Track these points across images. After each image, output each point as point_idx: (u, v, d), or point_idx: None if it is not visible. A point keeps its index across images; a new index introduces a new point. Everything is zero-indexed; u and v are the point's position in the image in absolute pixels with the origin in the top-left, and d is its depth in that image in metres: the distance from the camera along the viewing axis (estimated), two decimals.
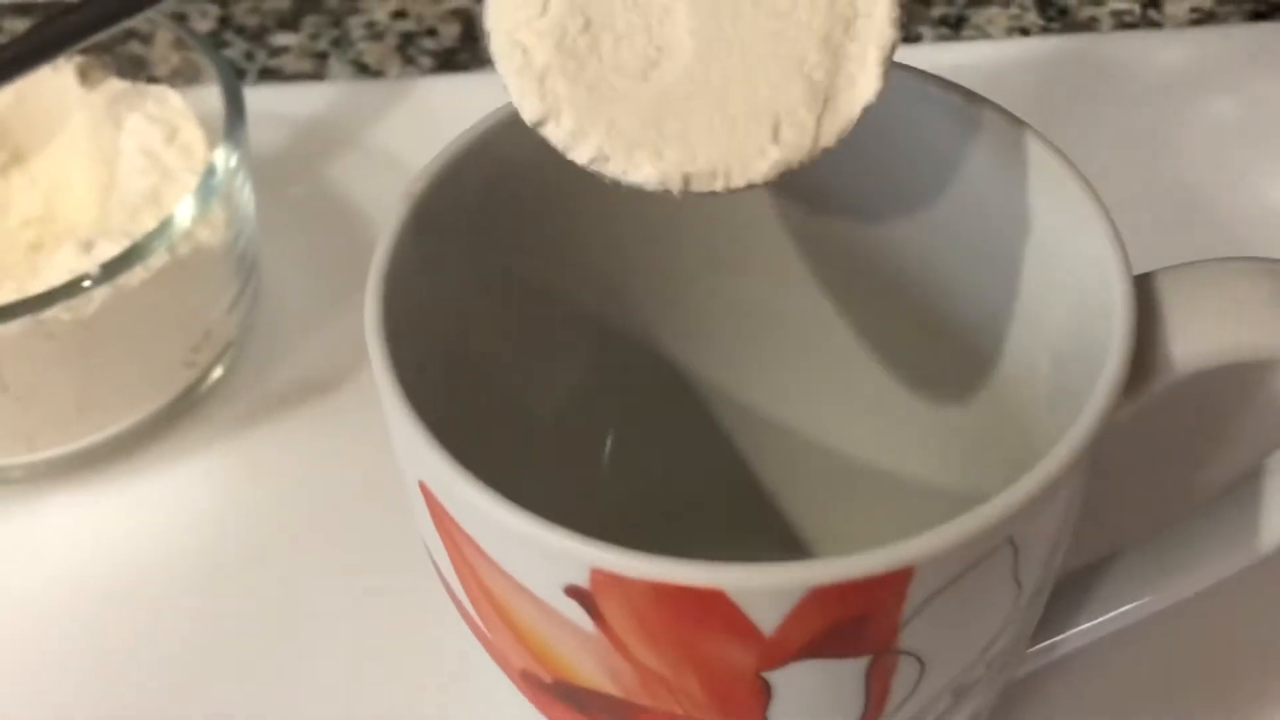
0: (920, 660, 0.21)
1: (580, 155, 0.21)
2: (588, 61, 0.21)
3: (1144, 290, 0.23)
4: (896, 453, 0.29)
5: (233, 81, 0.35)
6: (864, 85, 0.22)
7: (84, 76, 0.37)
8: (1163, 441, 0.30)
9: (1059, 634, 0.27)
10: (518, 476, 0.26)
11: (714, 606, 0.19)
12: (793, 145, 0.21)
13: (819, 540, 0.31)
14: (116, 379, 0.33)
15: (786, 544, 0.31)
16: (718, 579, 0.19)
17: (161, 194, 0.34)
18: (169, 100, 0.36)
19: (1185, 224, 0.38)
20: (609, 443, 0.30)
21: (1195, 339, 0.23)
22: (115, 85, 0.36)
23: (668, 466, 0.30)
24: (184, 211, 0.32)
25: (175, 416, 0.35)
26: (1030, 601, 0.23)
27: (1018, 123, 0.24)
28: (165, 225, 0.32)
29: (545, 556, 0.20)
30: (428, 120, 0.42)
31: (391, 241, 0.23)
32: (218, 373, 0.35)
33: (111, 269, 0.31)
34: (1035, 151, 0.24)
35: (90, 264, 0.31)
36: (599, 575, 0.20)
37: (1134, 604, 0.27)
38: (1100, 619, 0.27)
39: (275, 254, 0.38)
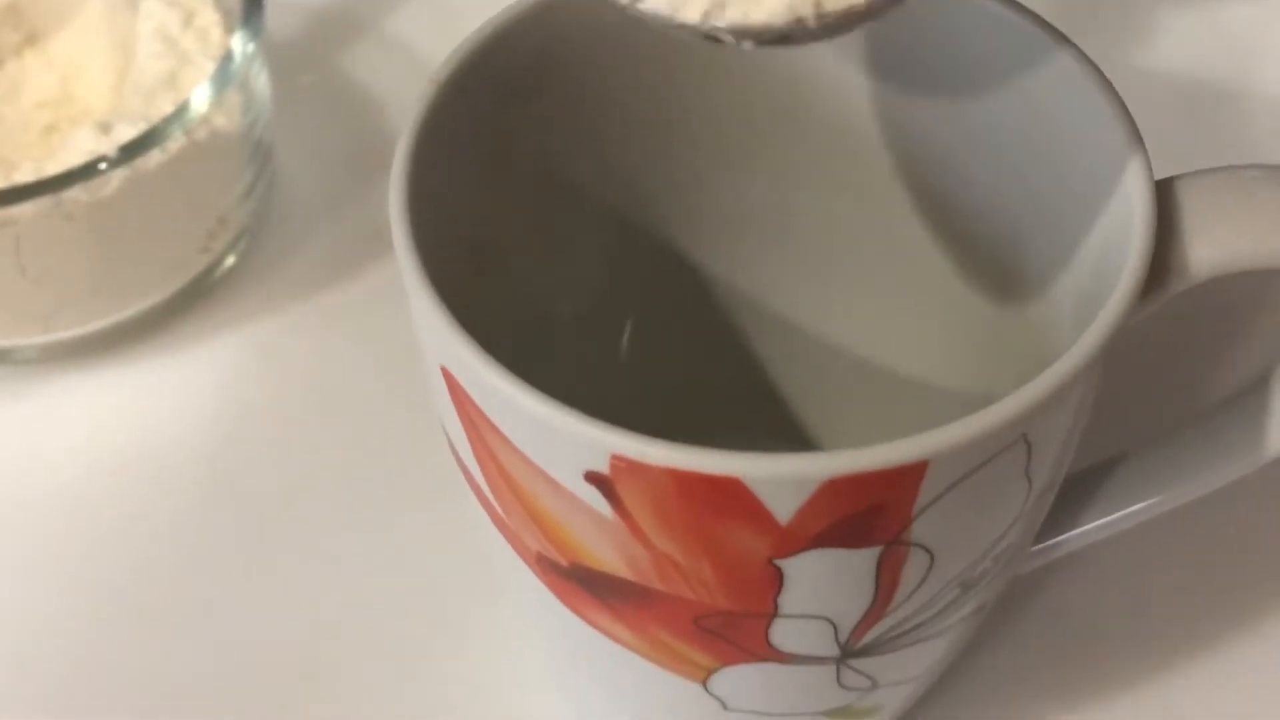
0: (930, 552, 0.22)
1: (691, 13, 0.19)
2: None
3: (1164, 196, 0.23)
4: (912, 351, 0.29)
5: None
6: None
7: None
8: (1173, 346, 0.30)
9: (1064, 533, 0.27)
10: (536, 366, 0.27)
11: (731, 494, 0.20)
12: None
13: (833, 434, 0.31)
14: (132, 262, 0.33)
15: (801, 438, 0.31)
16: (736, 468, 0.20)
17: (178, 78, 0.34)
18: None
19: (1205, 124, 0.38)
20: (625, 335, 0.30)
21: (1212, 245, 0.23)
22: None
23: (683, 359, 0.30)
24: (201, 96, 0.32)
25: (189, 301, 0.35)
26: (1039, 499, 0.23)
27: (1043, 25, 0.24)
28: (182, 109, 0.32)
29: (566, 442, 0.20)
30: (443, 8, 0.42)
31: (416, 128, 0.23)
32: (231, 259, 0.36)
33: (129, 151, 0.31)
34: (1059, 56, 0.24)
35: (108, 146, 0.31)
36: (619, 461, 0.20)
37: (1138, 506, 0.27)
38: (1104, 519, 0.27)
39: (288, 142, 0.38)
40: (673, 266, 0.30)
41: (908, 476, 0.20)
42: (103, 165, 0.31)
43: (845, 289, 0.29)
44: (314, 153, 0.39)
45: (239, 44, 0.33)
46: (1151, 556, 0.30)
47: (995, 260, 0.27)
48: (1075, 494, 0.27)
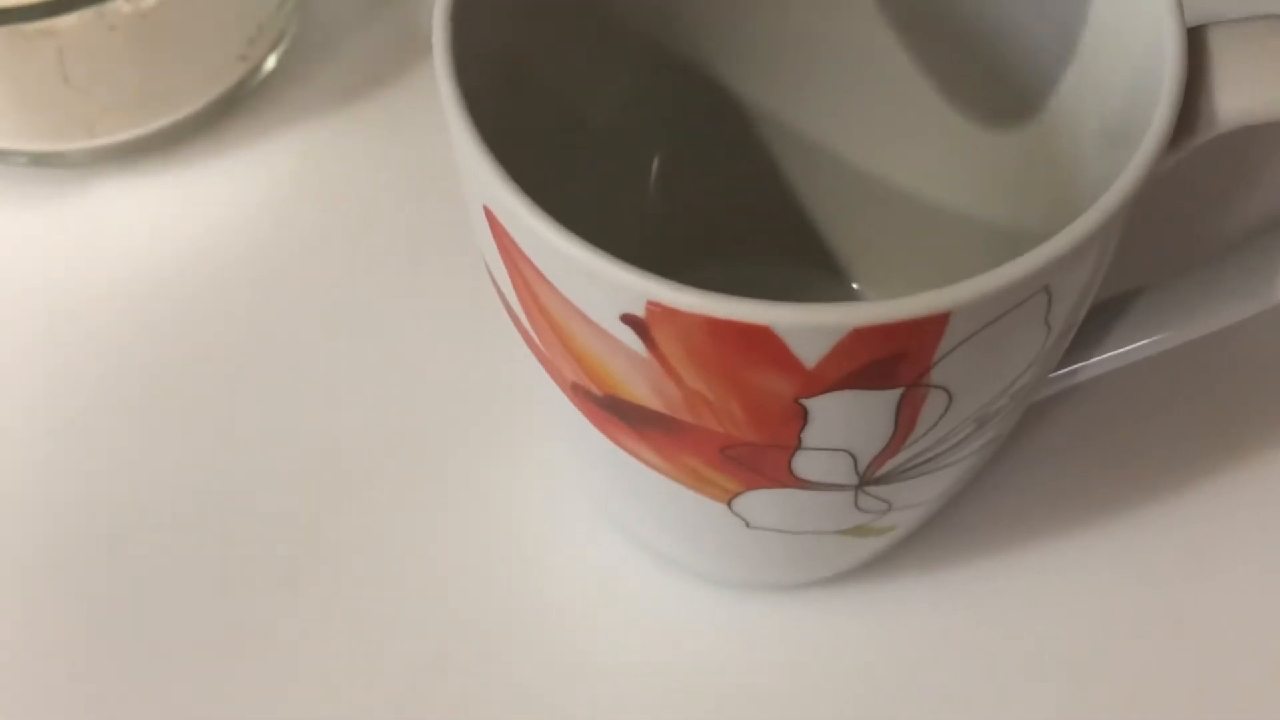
0: (949, 393, 0.23)
1: None
2: None
3: (1195, 43, 0.23)
4: (942, 183, 0.30)
5: None
6: None
7: None
8: (1195, 185, 0.30)
9: (1079, 362, 0.28)
10: (569, 185, 0.27)
11: (760, 340, 0.21)
12: None
13: (864, 258, 0.32)
14: (173, 70, 0.34)
15: (832, 262, 0.32)
16: (766, 316, 0.20)
17: None
18: None
19: None
20: (660, 157, 0.31)
21: (1242, 94, 0.23)
22: None
23: (714, 185, 0.31)
24: None
25: (230, 107, 0.35)
26: (1058, 341, 0.24)
27: None
28: None
29: (605, 287, 0.21)
30: None
31: None
32: (271, 64, 0.36)
33: None
34: None
35: None
36: (654, 307, 0.21)
37: (1153, 339, 0.28)
38: (1119, 350, 0.28)
39: None
40: (704, 92, 0.30)
41: (931, 326, 0.21)
42: None
43: (877, 117, 0.30)
44: None
45: None
46: (1162, 386, 0.31)
47: (1024, 94, 0.27)
48: (1092, 325, 0.28)
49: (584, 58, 0.28)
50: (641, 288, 0.21)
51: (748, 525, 0.26)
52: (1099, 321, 0.28)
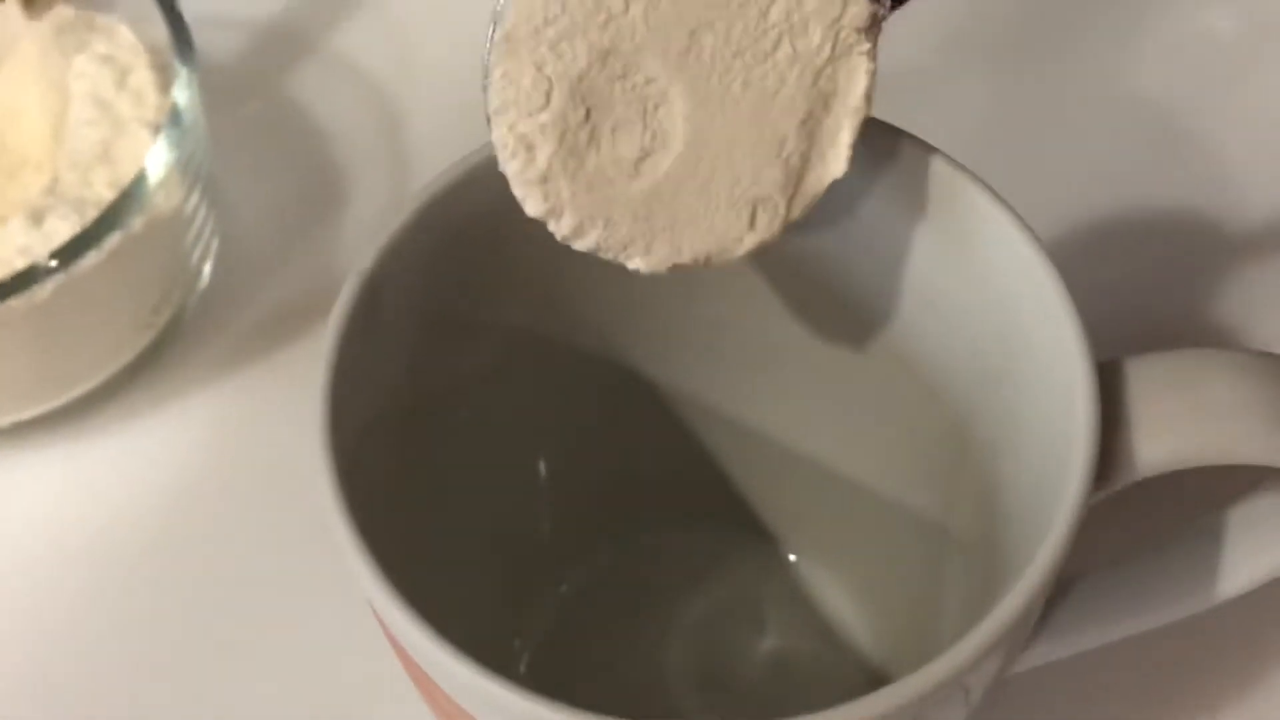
0: None
1: (580, 247, 0.23)
2: (587, 156, 0.22)
3: (1109, 380, 0.23)
4: (872, 466, 0.29)
5: (179, 21, 0.33)
6: (832, 163, 0.23)
7: (28, 5, 0.35)
8: None
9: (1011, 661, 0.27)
10: (466, 499, 0.26)
11: None
12: (765, 227, 0.23)
13: (794, 532, 0.31)
14: (73, 351, 0.33)
15: (762, 531, 0.31)
16: None
17: (113, 149, 0.32)
18: (119, 36, 0.34)
19: (1165, 148, 0.36)
20: (576, 441, 0.30)
21: (1163, 444, 0.22)
22: (63, 13, 0.35)
23: (638, 458, 0.30)
24: (136, 195, 0.31)
25: (135, 374, 0.34)
26: (982, 700, 0.23)
27: (999, 202, 0.24)
28: (118, 208, 0.31)
29: (489, 704, 0.20)
30: (391, 25, 0.40)
31: (338, 335, 0.23)
32: (179, 323, 0.35)
33: (64, 256, 0.30)
34: (1012, 238, 0.23)
35: (41, 242, 0.31)
36: None
37: (1083, 637, 0.27)
38: (1049, 647, 0.27)
39: (232, 181, 0.37)
40: (622, 378, 0.29)
41: None
42: (38, 274, 0.30)
43: (804, 405, 0.29)
44: (259, 191, 0.37)
45: (175, 116, 0.32)
46: (1099, 678, 0.30)
47: (947, 411, 0.26)
48: None
49: (479, 377, 0.27)
50: (531, 714, 0.20)
51: None
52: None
